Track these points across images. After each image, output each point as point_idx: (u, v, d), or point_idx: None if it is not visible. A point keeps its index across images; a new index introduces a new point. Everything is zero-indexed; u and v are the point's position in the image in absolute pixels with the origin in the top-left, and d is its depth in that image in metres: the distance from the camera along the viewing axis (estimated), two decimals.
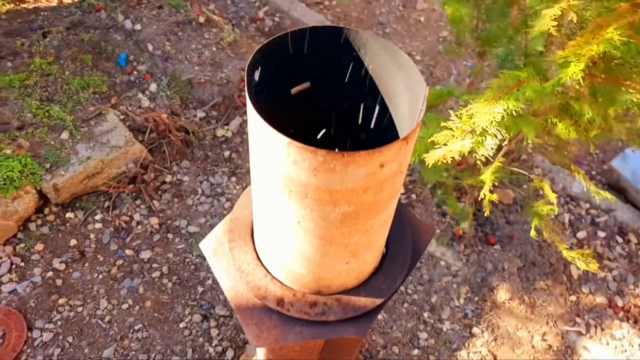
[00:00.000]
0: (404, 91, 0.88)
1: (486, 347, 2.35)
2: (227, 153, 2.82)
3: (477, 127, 1.63)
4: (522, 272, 2.57)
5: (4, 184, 2.26)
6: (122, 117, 2.65)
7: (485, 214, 1.84)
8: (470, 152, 1.66)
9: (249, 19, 3.42)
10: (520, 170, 2.22)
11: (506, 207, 2.81)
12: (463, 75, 3.37)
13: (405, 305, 2.44)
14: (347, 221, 0.83)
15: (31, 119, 2.52)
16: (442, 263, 2.57)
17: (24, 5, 3.17)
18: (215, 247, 1.10)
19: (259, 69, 0.82)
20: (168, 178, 2.68)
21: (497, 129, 1.60)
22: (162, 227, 2.55)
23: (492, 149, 1.63)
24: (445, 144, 1.69)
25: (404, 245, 1.12)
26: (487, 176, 1.93)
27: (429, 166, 1.99)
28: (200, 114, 2.85)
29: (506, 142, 2.07)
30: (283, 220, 0.87)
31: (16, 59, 2.80)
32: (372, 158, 0.71)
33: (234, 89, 2.93)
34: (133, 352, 2.18)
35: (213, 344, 2.24)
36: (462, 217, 2.48)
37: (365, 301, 1.03)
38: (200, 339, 2.25)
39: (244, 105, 2.93)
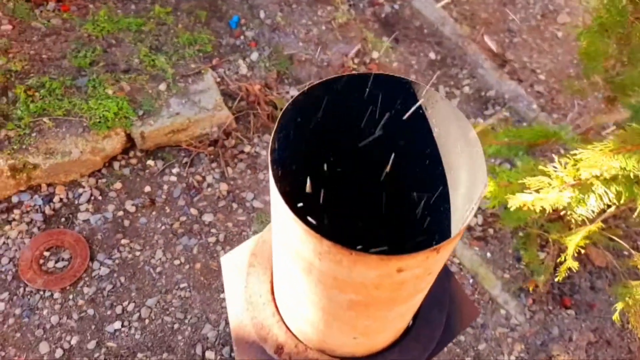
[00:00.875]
0: (465, 173, 0.73)
1: None
2: None
3: (582, 181, 1.40)
4: (591, 349, 2.26)
5: (99, 121, 2.40)
6: (218, 79, 2.69)
7: (557, 279, 1.61)
8: (565, 208, 1.44)
9: (368, 1, 3.25)
10: (620, 242, 1.91)
11: (596, 270, 2.47)
12: (584, 114, 2.96)
13: (449, 344, 2.27)
14: (355, 308, 0.72)
15: (137, 65, 2.64)
16: (502, 312, 2.34)
17: None
18: (234, 266, 1.05)
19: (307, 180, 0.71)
20: (247, 148, 2.69)
21: (605, 190, 1.36)
22: (229, 195, 2.59)
23: (594, 211, 1.40)
24: (537, 191, 1.48)
25: (433, 325, 0.98)
26: (575, 239, 1.68)
27: (512, 209, 1.77)
28: (293, 91, 2.81)
29: (612, 208, 1.78)
30: (291, 278, 0.78)
31: (140, 3, 2.93)
32: (388, 263, 0.59)
33: (332, 73, 2.83)
34: (173, 308, 2.27)
35: None
36: (539, 270, 2.22)
37: None
38: None
39: None
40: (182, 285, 2.34)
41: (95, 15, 2.76)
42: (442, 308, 1.01)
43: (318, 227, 0.59)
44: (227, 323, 2.26)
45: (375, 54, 3.00)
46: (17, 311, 2.20)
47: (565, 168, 1.27)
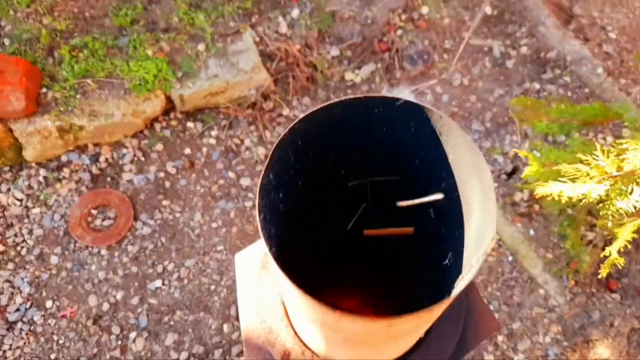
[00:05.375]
0: (477, 211, 0.66)
1: None
2: None
3: (625, 173, 1.27)
4: (634, 336, 2.16)
5: (139, 84, 2.42)
6: (257, 39, 2.61)
7: (600, 276, 1.51)
8: (601, 201, 1.32)
9: None
10: None
11: None
12: None
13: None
14: (350, 343, 0.70)
15: (176, 24, 2.60)
16: (541, 292, 2.26)
17: None
18: (248, 266, 1.05)
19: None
20: (285, 111, 2.65)
21: None
22: (267, 160, 2.58)
23: (636, 207, 1.27)
24: (573, 180, 1.36)
25: (445, 339, 0.94)
26: (624, 232, 1.55)
27: (537, 196, 1.67)
28: (334, 51, 2.69)
29: None
30: (292, 307, 0.76)
31: None
32: (377, 323, 0.55)
33: (376, 31, 2.67)
34: (209, 270, 2.36)
35: None
36: (582, 254, 2.10)
37: None
38: None
39: (382, 51, 2.69)
40: (219, 248, 2.40)
41: None
42: (457, 322, 0.96)
43: (301, 279, 0.56)
44: None
45: (424, 10, 2.80)
46: (69, 265, 2.35)
47: (608, 157, 1.14)
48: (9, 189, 2.48)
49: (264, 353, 0.98)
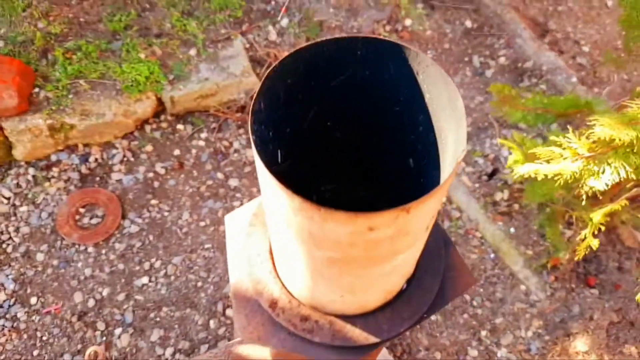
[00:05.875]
0: (452, 139, 0.73)
1: None
2: None
3: (597, 154, 1.36)
4: (613, 329, 2.21)
5: (131, 85, 2.48)
6: (247, 45, 2.70)
7: (576, 258, 1.58)
8: (575, 180, 1.40)
9: None
10: None
11: (626, 250, 2.39)
12: (628, 90, 2.79)
13: (465, 315, 2.28)
14: (335, 265, 0.74)
15: (169, 29, 2.69)
16: (522, 287, 2.31)
17: None
18: (237, 225, 1.09)
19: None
20: None
21: (622, 164, 1.31)
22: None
23: (608, 185, 1.35)
24: (548, 162, 1.45)
25: (425, 290, 0.99)
26: (597, 216, 1.63)
27: (538, 182, 1.75)
28: None
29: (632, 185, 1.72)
30: (277, 234, 0.81)
31: None
32: (355, 221, 0.60)
33: None
34: (197, 267, 2.37)
35: None
36: (561, 247, 2.17)
37: (359, 335, 0.95)
38: None
39: None
40: (206, 246, 2.43)
41: None
42: (436, 274, 1.02)
43: (292, 186, 0.61)
44: None
45: (408, 22, 2.93)
46: (55, 262, 2.35)
47: (579, 139, 1.22)
48: None
49: (251, 304, 1.01)
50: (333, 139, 0.92)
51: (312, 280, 0.84)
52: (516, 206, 2.44)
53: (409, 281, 1.02)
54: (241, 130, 2.68)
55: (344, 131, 0.92)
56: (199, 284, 2.34)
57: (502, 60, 2.86)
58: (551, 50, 2.83)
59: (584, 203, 1.69)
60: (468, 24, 2.97)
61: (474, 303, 2.31)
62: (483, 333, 2.26)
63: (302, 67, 0.75)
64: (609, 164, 1.24)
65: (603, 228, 1.53)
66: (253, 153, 0.65)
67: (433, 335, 2.25)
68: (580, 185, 1.39)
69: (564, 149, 1.39)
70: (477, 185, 2.51)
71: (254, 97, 0.69)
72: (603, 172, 1.25)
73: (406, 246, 0.73)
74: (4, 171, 2.51)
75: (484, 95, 2.76)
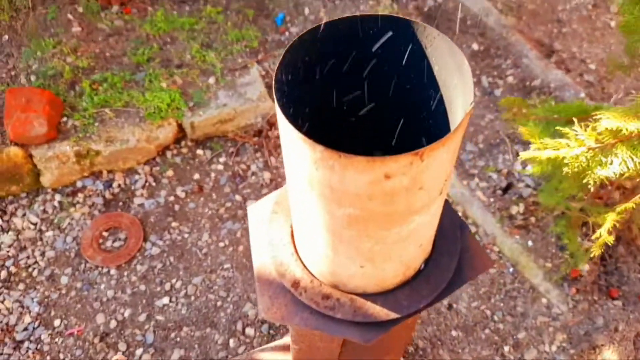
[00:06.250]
0: (460, 105, 0.78)
1: None
2: None
3: (604, 145, 1.38)
4: None
5: (153, 112, 2.60)
6: (263, 73, 2.83)
7: (593, 254, 1.58)
8: (584, 171, 1.42)
9: None
10: None
11: None
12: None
13: (487, 331, 2.25)
14: (354, 225, 0.78)
15: (189, 60, 2.83)
16: (544, 301, 2.28)
17: None
18: (259, 214, 1.14)
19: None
20: None
21: (630, 156, 1.33)
22: (272, 183, 2.70)
23: (615, 174, 1.37)
24: (555, 150, 1.47)
25: (443, 269, 1.02)
26: (612, 215, 1.63)
27: (551, 183, 1.76)
28: None
29: None
30: (299, 203, 0.86)
31: (194, 5, 3.14)
32: (373, 167, 0.65)
33: None
34: (216, 287, 2.40)
35: None
36: (580, 256, 2.16)
37: (380, 311, 0.97)
38: None
39: None
40: (225, 266, 2.46)
41: (153, 16, 2.99)
42: (453, 255, 1.04)
43: (314, 137, 0.66)
44: None
45: None
46: (78, 285, 2.40)
47: (585, 131, 1.26)
48: (24, 214, 2.58)
49: (274, 287, 1.05)
50: (348, 123, 0.98)
51: (332, 249, 0.87)
52: (532, 219, 2.45)
53: (427, 262, 1.04)
54: (258, 154, 2.77)
55: (359, 114, 0.97)
56: (219, 303, 2.36)
57: (510, 79, 2.93)
58: (558, 68, 2.90)
59: (598, 208, 1.71)
60: (475, 46, 3.07)
61: (495, 318, 2.28)
62: (506, 348, 2.21)
63: (320, 45, 0.82)
64: (616, 155, 1.27)
65: (619, 226, 1.54)
66: (276, 111, 0.71)
67: (455, 351, 2.22)
68: (589, 175, 1.41)
69: (569, 139, 1.42)
70: (492, 199, 2.53)
71: (275, 69, 0.75)
72: (611, 163, 1.27)
73: (421, 206, 0.77)
74: (31, 198, 2.61)
75: (494, 113, 2.82)
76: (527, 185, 2.52)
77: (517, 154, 2.61)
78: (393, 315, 0.96)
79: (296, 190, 0.82)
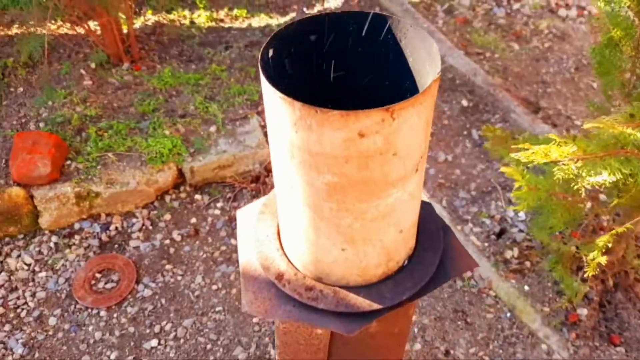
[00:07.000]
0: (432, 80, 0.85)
1: None
2: None
3: (592, 157, 1.43)
4: None
5: (155, 156, 2.68)
6: (262, 123, 2.95)
7: (587, 274, 1.57)
8: (574, 178, 1.45)
9: None
10: None
11: None
12: None
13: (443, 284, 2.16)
14: (334, 195, 0.82)
15: (193, 111, 2.97)
16: (543, 347, 2.22)
17: (221, 24, 3.79)
18: (248, 217, 1.17)
19: (273, 50, 0.86)
20: None
21: (619, 168, 1.38)
22: None
23: (603, 184, 1.40)
24: (546, 154, 1.51)
25: (426, 265, 1.03)
26: (604, 238, 1.64)
27: (542, 216, 1.79)
28: None
29: None
30: (282, 184, 0.89)
31: (200, 64, 3.35)
32: (347, 122, 0.70)
33: None
34: (207, 330, 2.34)
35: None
36: (574, 293, 2.13)
37: (362, 302, 0.97)
38: (266, 339, 2.32)
39: None
40: (217, 309, 2.42)
41: (161, 72, 3.17)
42: (436, 251, 1.06)
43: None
44: (257, 346, 2.29)
45: None
46: (66, 326, 2.35)
47: (574, 141, 1.32)
48: (19, 255, 2.58)
49: (259, 282, 1.05)
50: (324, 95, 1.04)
51: (313, 227, 0.90)
52: (527, 263, 2.44)
53: (410, 259, 1.06)
54: (255, 200, 2.81)
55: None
56: (209, 346, 2.29)
57: (499, 132, 3.04)
58: (545, 123, 3.02)
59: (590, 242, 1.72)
60: (464, 103, 3.22)
61: None
62: None
63: (303, 38, 0.90)
64: (605, 168, 1.32)
65: (614, 266, 1.54)
66: (261, 80, 0.78)
67: None
68: (578, 182, 1.44)
69: (559, 145, 1.46)
70: (486, 244, 2.53)
71: (262, 47, 0.83)
72: (601, 174, 1.31)
73: (397, 177, 0.81)
74: (28, 239, 2.63)
75: (485, 163, 2.89)
76: (520, 230, 2.54)
77: (510, 201, 2.66)
78: (376, 306, 0.97)
79: (279, 165, 0.86)
